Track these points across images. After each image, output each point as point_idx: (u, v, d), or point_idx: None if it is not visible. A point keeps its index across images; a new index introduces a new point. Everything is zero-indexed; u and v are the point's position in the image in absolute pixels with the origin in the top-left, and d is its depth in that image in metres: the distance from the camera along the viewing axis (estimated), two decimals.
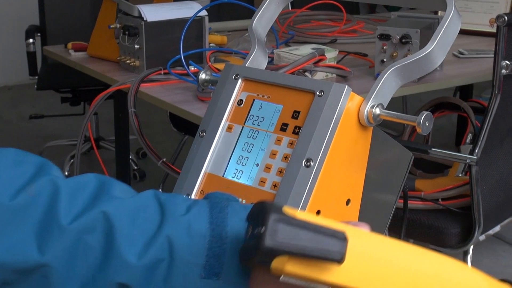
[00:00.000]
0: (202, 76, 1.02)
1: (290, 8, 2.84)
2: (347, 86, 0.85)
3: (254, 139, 0.90)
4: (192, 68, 1.94)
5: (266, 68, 1.03)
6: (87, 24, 3.30)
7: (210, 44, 2.24)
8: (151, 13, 2.06)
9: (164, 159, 1.89)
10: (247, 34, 2.29)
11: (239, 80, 0.93)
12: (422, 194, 2.01)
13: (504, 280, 0.70)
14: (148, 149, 1.86)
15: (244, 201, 0.88)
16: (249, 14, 2.99)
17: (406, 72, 0.88)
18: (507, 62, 1.81)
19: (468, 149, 2.02)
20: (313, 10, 2.71)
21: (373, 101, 0.87)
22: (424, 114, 0.84)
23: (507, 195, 2.01)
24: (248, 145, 0.90)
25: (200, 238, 0.65)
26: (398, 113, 0.87)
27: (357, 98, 0.87)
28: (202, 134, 0.93)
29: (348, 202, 0.89)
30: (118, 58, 2.15)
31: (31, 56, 3.28)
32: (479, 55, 2.33)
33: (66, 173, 3.37)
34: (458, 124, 3.22)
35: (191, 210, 0.67)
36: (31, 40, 3.26)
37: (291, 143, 0.87)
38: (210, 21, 2.17)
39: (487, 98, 1.83)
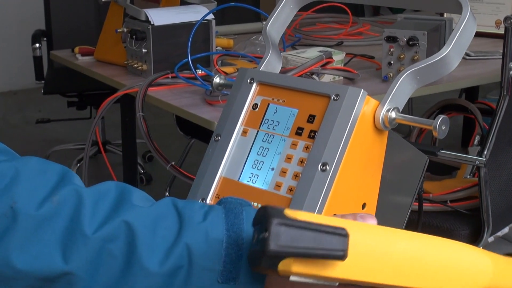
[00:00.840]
0: (216, 80, 1.02)
1: None
2: (362, 89, 0.85)
3: (269, 143, 0.90)
4: (199, 71, 1.94)
5: None
6: (92, 28, 3.31)
7: (217, 48, 2.25)
8: (158, 17, 2.06)
9: (173, 163, 1.89)
10: (254, 37, 2.30)
11: (254, 84, 0.93)
12: (431, 196, 2.00)
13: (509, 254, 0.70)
14: (156, 153, 1.86)
15: (258, 205, 0.88)
16: (254, 17, 2.99)
17: (421, 75, 0.88)
18: None
19: (476, 151, 2.02)
20: (318, 12, 2.71)
21: (388, 104, 0.87)
22: (441, 117, 0.84)
23: None
24: (263, 149, 0.90)
25: (217, 244, 0.67)
26: (414, 117, 0.87)
27: (373, 102, 0.87)
28: (217, 138, 0.93)
29: (363, 206, 0.89)
30: (125, 62, 2.15)
31: (37, 60, 3.29)
32: (486, 56, 2.33)
33: None
34: (464, 126, 3.21)
35: (208, 217, 0.69)
36: (37, 45, 3.27)
37: (307, 147, 0.87)
38: (215, 24, 2.17)
39: (493, 99, 1.83)
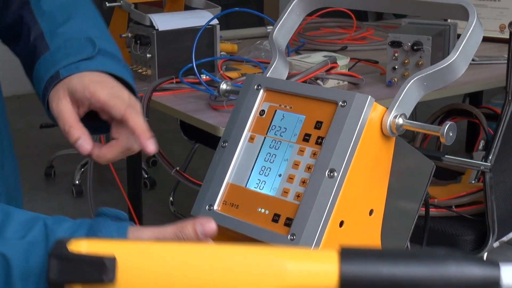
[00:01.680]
0: (223, 86, 1.02)
1: None
2: (370, 96, 0.85)
3: (276, 149, 0.90)
4: (204, 76, 1.95)
5: None
6: None
7: (221, 53, 2.25)
8: (163, 22, 2.06)
9: (178, 168, 1.89)
10: (258, 42, 2.30)
11: (261, 91, 0.93)
12: (436, 201, 2.00)
13: None
14: (161, 158, 1.87)
15: (266, 211, 0.88)
16: (258, 22, 2.99)
17: (428, 82, 0.88)
18: None
19: (480, 156, 2.02)
20: (322, 17, 2.71)
21: (396, 111, 0.87)
22: (448, 124, 0.84)
23: None
24: (271, 156, 0.90)
25: None
26: (422, 123, 0.87)
27: (380, 108, 0.87)
28: (224, 145, 0.93)
29: (371, 212, 0.89)
30: (130, 67, 2.15)
31: None
32: (490, 61, 2.33)
33: (77, 181, 3.38)
34: (468, 130, 3.21)
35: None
36: None
37: (314, 154, 0.87)
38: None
39: (497, 103, 1.83)
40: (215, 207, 0.91)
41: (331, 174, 0.85)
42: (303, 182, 0.87)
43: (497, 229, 1.90)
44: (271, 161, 0.90)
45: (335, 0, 1.01)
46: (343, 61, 2.07)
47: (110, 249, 0.65)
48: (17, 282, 0.68)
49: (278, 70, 0.99)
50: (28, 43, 0.97)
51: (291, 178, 0.88)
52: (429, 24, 2.12)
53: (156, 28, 2.05)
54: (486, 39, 2.53)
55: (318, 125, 0.88)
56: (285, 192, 0.88)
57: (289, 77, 1.83)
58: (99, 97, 0.86)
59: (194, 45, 1.94)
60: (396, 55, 2.02)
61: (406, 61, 2.01)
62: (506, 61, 1.87)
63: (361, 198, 0.88)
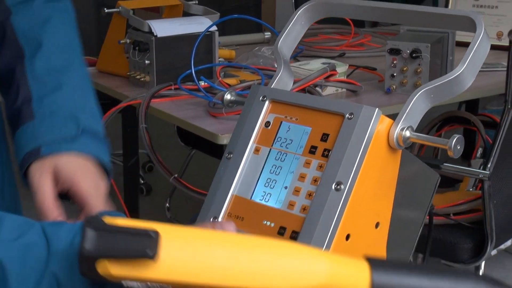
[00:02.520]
0: (227, 96, 1.02)
1: None
2: (377, 109, 0.85)
3: (282, 161, 0.90)
4: (202, 83, 1.94)
5: None
6: (92, 39, 3.30)
7: (219, 59, 2.24)
8: (161, 29, 2.06)
9: (176, 175, 1.88)
10: (256, 48, 2.29)
11: (266, 102, 0.93)
12: (434, 208, 2.00)
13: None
14: (159, 165, 1.85)
15: (272, 224, 0.88)
16: (256, 28, 2.98)
17: (435, 94, 0.88)
18: None
19: (478, 164, 2.02)
20: (320, 23, 2.71)
21: (403, 123, 0.86)
22: (456, 137, 0.84)
23: None
24: (276, 168, 0.90)
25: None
26: (429, 136, 0.87)
27: (387, 121, 0.87)
28: (229, 156, 0.93)
29: (377, 225, 0.89)
30: (128, 73, 2.14)
31: None
32: (488, 68, 2.33)
33: None
34: (465, 138, 3.21)
35: (74, 241, 0.69)
36: None
37: (321, 166, 0.87)
38: None
39: (493, 110, 1.83)
40: (220, 219, 0.91)
41: (338, 187, 0.84)
42: (309, 195, 0.86)
43: (495, 237, 1.90)
44: (277, 173, 0.89)
45: (340, 10, 1.01)
46: (341, 68, 2.06)
47: (151, 227, 0.60)
48: (13, 286, 0.66)
49: (283, 80, 0.99)
50: (15, 102, 0.98)
51: (297, 191, 0.87)
52: (428, 31, 2.12)
53: (155, 34, 2.04)
54: None
55: (324, 137, 0.88)
56: (291, 204, 0.87)
57: None
58: (81, 189, 0.92)
59: (193, 52, 1.94)
60: (394, 62, 2.02)
61: (405, 68, 2.01)
62: (503, 69, 1.87)
63: (368, 211, 0.87)
